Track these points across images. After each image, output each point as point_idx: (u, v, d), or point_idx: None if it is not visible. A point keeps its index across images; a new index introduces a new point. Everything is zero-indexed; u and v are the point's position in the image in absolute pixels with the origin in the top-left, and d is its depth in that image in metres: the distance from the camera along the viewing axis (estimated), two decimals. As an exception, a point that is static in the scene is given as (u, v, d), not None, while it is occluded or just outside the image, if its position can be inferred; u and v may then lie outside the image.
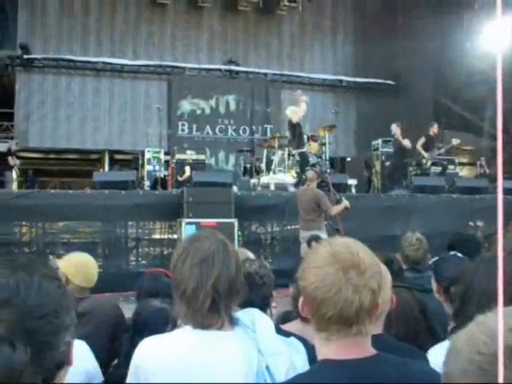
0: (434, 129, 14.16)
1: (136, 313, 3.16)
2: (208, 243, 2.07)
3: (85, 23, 18.32)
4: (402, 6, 20.03)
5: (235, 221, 9.66)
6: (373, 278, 1.63)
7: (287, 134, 13.07)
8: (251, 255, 3.65)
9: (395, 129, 13.76)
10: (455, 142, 14.28)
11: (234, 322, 2.07)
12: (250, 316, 2.15)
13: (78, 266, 3.57)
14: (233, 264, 2.07)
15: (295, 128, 12.20)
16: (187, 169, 13.26)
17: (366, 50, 19.84)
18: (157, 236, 10.82)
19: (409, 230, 5.09)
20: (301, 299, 1.72)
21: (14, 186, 18.63)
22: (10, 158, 14.63)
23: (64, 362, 1.11)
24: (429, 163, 13.85)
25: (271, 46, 19.92)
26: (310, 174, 9.63)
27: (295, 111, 12.33)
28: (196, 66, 18.94)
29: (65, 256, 3.73)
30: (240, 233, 10.27)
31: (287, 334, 2.36)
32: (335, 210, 9.13)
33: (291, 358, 2.06)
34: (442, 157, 14.55)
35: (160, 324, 2.62)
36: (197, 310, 1.99)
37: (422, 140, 14.09)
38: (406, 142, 13.47)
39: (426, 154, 13.86)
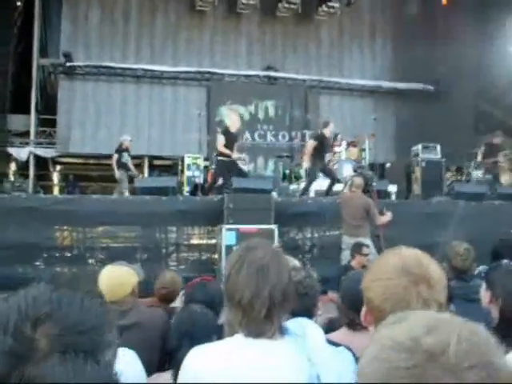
0: (497, 139, 13.97)
1: (178, 320, 3.17)
2: (262, 252, 2.09)
3: (125, 30, 18.58)
4: (442, 11, 19.82)
5: (275, 227, 9.66)
6: (442, 291, 1.63)
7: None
8: (297, 263, 3.65)
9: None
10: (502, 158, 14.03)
11: (284, 331, 2.08)
12: (300, 325, 2.16)
13: (107, 284, 3.57)
14: (286, 273, 2.09)
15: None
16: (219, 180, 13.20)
17: (405, 55, 19.68)
18: (196, 241, 10.87)
19: (450, 238, 5.04)
20: (364, 309, 1.71)
21: (56, 190, 18.98)
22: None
23: (106, 379, 1.11)
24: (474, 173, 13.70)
25: (309, 51, 19.90)
26: (357, 180, 9.61)
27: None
28: (235, 72, 19.04)
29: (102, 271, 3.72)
30: (281, 239, 10.28)
31: (335, 344, 2.36)
32: (382, 220, 9.13)
33: (340, 367, 2.07)
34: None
35: (203, 330, 2.64)
36: (253, 318, 2.00)
37: (482, 149, 13.96)
38: None
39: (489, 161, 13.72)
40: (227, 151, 11.48)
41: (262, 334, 2.02)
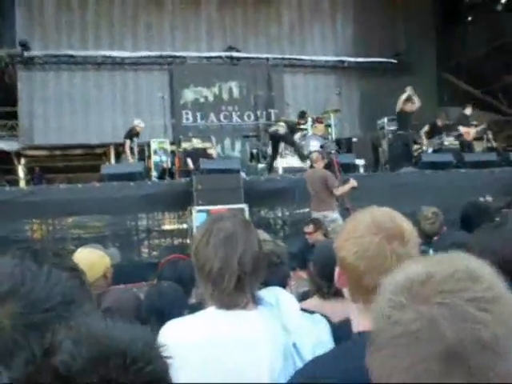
0: (441, 119, 14.10)
1: (146, 297, 3.14)
2: (230, 222, 2.06)
3: (83, 17, 18.26)
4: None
5: (245, 206, 9.67)
6: (414, 247, 1.62)
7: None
8: (267, 236, 3.63)
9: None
10: (463, 129, 14.16)
11: (257, 301, 2.06)
12: (273, 294, 2.14)
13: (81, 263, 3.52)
14: (256, 242, 2.06)
15: None
16: (188, 161, 13.20)
17: (367, 30, 19.74)
18: (167, 227, 10.82)
19: (420, 207, 5.07)
20: (337, 270, 1.69)
21: (22, 184, 18.70)
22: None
23: None
24: (429, 150, 13.81)
25: (271, 30, 19.79)
26: (313, 156, 9.70)
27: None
28: (197, 54, 18.87)
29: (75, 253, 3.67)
30: (252, 218, 10.27)
31: (309, 312, 2.35)
32: (341, 190, 9.18)
33: (317, 334, 2.05)
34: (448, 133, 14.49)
35: (172, 306, 2.61)
36: (223, 289, 1.97)
37: (426, 128, 14.08)
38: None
39: (425, 141, 13.86)
40: None
41: (235, 305, 1.98)
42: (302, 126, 13.36)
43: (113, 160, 18.13)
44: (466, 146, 13.78)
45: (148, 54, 18.49)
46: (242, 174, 10.92)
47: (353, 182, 9.27)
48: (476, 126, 14.26)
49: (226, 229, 2.04)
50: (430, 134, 14.04)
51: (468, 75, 19.18)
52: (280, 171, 11.90)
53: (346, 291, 1.70)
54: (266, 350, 1.95)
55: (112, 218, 10.57)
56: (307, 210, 10.25)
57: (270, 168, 12.27)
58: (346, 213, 9.61)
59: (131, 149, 13.93)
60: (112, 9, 18.53)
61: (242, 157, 15.53)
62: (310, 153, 10.91)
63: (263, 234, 3.76)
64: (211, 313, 2.02)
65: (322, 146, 11.70)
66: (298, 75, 19.89)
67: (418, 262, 1.03)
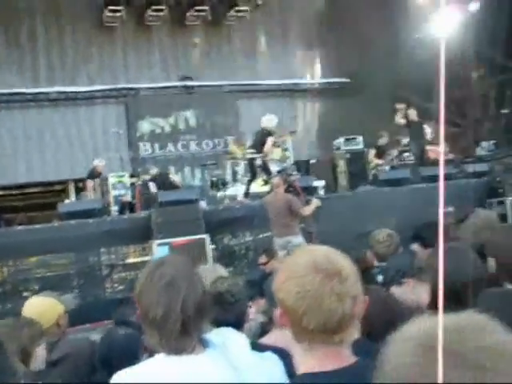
0: (383, 139, 14.29)
1: (101, 343, 3.08)
2: (171, 267, 2.05)
3: (33, 53, 18.10)
4: (349, 5, 20.15)
5: (206, 236, 9.62)
6: (353, 285, 1.62)
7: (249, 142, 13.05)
8: (223, 272, 3.61)
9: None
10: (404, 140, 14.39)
11: (204, 344, 2.04)
12: (221, 335, 2.13)
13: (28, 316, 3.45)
14: (198, 285, 2.06)
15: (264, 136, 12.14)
16: (151, 185, 13.18)
17: (319, 52, 19.97)
18: (130, 260, 10.72)
19: (381, 225, 5.10)
20: (278, 310, 1.68)
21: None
22: None
23: None
24: (387, 167, 13.97)
25: (223, 56, 19.86)
26: (275, 180, 9.68)
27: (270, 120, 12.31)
28: (151, 85, 18.84)
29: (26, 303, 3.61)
30: (214, 247, 10.23)
31: (265, 349, 2.33)
32: (307, 210, 9.17)
33: (268, 372, 2.04)
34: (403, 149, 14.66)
35: (129, 352, 2.56)
36: (168, 336, 1.96)
37: (372, 152, 14.25)
38: None
39: (380, 162, 14.01)
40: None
41: (182, 350, 1.97)
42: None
43: (73, 196, 17.94)
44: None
45: (102, 87, 18.41)
46: (202, 204, 10.89)
47: (316, 202, 9.30)
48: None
49: (168, 274, 2.02)
50: (379, 155, 14.23)
51: (419, 90, 19.48)
52: (240, 198, 11.90)
53: (289, 332, 1.70)
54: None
55: (75, 256, 10.44)
56: (269, 233, 10.25)
57: (247, 193, 12.18)
58: (308, 236, 9.66)
59: (94, 188, 13.90)
60: (63, 42, 18.39)
61: (202, 185, 15.49)
62: (269, 179, 10.96)
63: (220, 270, 3.75)
64: (159, 360, 2.00)
65: (279, 171, 11.75)
66: (253, 100, 19.97)
67: None
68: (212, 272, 3.23)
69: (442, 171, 1.03)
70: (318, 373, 1.60)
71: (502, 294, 2.30)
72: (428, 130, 14.38)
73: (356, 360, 1.62)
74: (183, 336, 1.97)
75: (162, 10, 18.32)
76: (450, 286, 2.72)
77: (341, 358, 1.62)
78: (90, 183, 13.97)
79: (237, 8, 18.99)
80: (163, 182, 12.95)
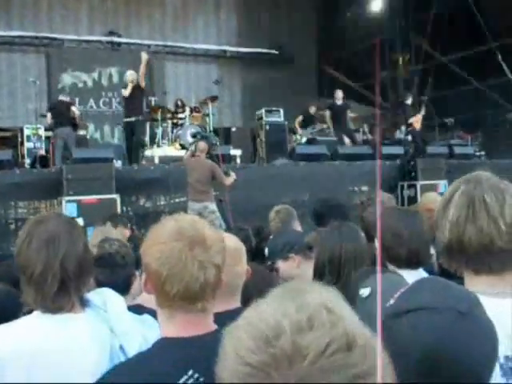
0: (313, 108, 14.44)
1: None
2: (53, 224, 2.04)
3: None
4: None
5: (117, 196, 9.50)
6: (218, 254, 1.65)
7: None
8: (115, 235, 3.59)
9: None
10: (325, 125, 14.61)
11: (84, 304, 2.04)
12: (101, 296, 2.12)
13: None
14: (80, 244, 2.05)
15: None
16: (48, 115, 12.82)
17: (250, 20, 19.89)
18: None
19: (292, 198, 5.19)
20: (143, 276, 1.70)
21: None
22: None
23: None
24: (303, 139, 14.13)
25: (154, 17, 19.49)
26: (201, 145, 9.63)
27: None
28: (75, 37, 18.27)
29: None
30: (125, 208, 10.12)
31: (143, 311, 2.34)
32: (228, 180, 9.23)
33: (145, 335, 2.06)
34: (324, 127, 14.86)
35: (7, 310, 2.51)
36: (46, 293, 1.95)
37: (299, 118, 14.43)
38: None
39: (300, 131, 14.19)
40: None
41: (59, 309, 1.97)
42: (179, 115, 13.30)
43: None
44: (417, 135, 14.22)
45: (22, 33, 17.66)
46: (117, 164, 10.73)
47: (233, 175, 9.35)
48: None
49: (48, 231, 2.01)
50: (303, 123, 14.38)
51: (347, 69, 19.74)
52: (156, 160, 11.79)
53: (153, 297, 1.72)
54: (92, 352, 1.94)
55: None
56: (184, 199, 10.23)
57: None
58: (220, 204, 9.71)
59: None
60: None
61: (120, 145, 15.24)
62: (192, 143, 10.88)
63: (111, 232, 3.73)
64: (35, 318, 1.98)
65: (195, 135, 11.69)
66: (180, 63, 19.74)
67: (273, 315, 0.86)
68: (103, 232, 3.21)
69: (379, 153, 1.04)
70: (177, 338, 1.63)
71: (372, 272, 2.39)
72: (350, 114, 14.61)
73: (216, 328, 1.66)
74: (61, 294, 1.96)
75: (93, -39, 17.75)
76: (333, 261, 2.81)
77: (202, 325, 1.65)
78: None
79: (171, -32, 18.61)
80: (62, 114, 12.45)
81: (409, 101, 14.40)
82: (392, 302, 1.32)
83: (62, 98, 13.10)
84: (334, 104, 14.25)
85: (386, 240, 2.63)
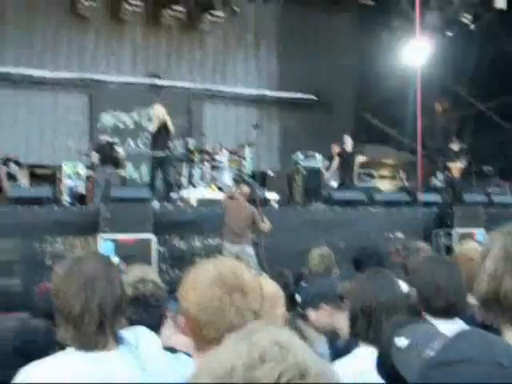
0: (335, 149, 14.29)
1: (15, 335, 3.03)
2: (91, 264, 2.05)
3: (1, 33, 17.81)
4: (325, 23, 20.37)
5: (153, 236, 9.57)
6: (256, 300, 1.64)
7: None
8: (153, 276, 3.58)
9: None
10: (361, 159, 14.47)
11: (118, 341, 2.04)
12: (134, 333, 2.13)
13: None
14: (117, 284, 2.06)
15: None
16: (93, 155, 13.13)
17: (289, 65, 20.09)
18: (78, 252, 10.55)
19: (328, 244, 5.16)
20: (182, 319, 1.70)
21: None
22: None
23: None
24: (331, 182, 13.99)
25: (194, 59, 19.88)
26: (244, 188, 9.69)
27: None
28: (118, 79, 18.70)
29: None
30: (160, 248, 10.17)
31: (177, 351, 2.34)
32: (266, 227, 9.26)
33: (180, 373, 2.05)
34: (362, 170, 14.81)
35: (44, 344, 2.53)
36: (83, 332, 1.96)
37: (337, 159, 14.23)
38: None
39: (326, 173, 14.02)
40: None
41: (95, 347, 1.97)
42: (217, 158, 13.42)
43: (26, 182, 17.64)
44: (454, 182, 13.95)
45: (68, 75, 18.19)
46: (154, 203, 10.82)
47: (269, 224, 9.37)
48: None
49: (86, 271, 2.02)
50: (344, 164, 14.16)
51: (384, 115, 19.75)
52: (192, 201, 11.87)
53: (190, 340, 1.71)
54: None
55: (20, 242, 10.26)
56: (218, 241, 10.26)
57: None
58: (255, 247, 9.70)
59: (9, 174, 13.98)
60: (33, 24, 18.11)
61: (157, 184, 15.38)
62: (233, 185, 10.95)
63: (149, 272, 3.72)
64: (69, 354, 1.99)
65: (235, 179, 11.78)
66: (219, 106, 20.01)
67: (227, 359, 0.89)
68: (140, 272, 3.21)
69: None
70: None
71: (407, 322, 2.35)
72: (361, 159, 14.42)
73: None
74: (97, 333, 1.97)
75: (137, 6, 18.21)
76: (365, 310, 2.78)
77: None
78: (2, 169, 14.00)
79: (213, 12, 18.98)
80: (106, 154, 12.72)
81: (454, 146, 14.16)
82: (431, 352, 1.30)
83: (106, 137, 13.38)
84: (344, 150, 14.05)
85: (424, 290, 2.60)
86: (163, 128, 11.85)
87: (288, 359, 0.85)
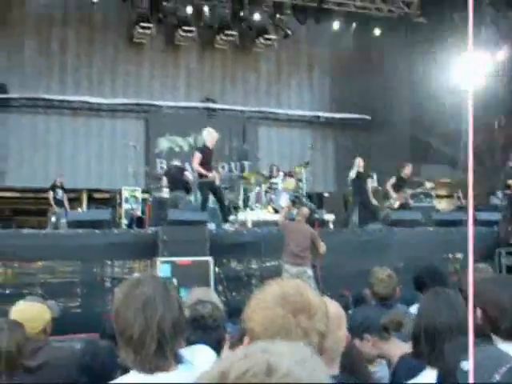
0: (407, 170, 13.93)
1: (82, 353, 3.08)
2: (149, 287, 2.07)
3: (62, 62, 18.39)
4: (375, 42, 20.30)
5: (210, 259, 9.61)
6: (321, 321, 1.62)
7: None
8: (213, 297, 3.61)
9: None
10: (429, 185, 14.25)
11: (178, 360, 2.06)
12: (191, 351, 2.14)
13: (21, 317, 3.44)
14: (175, 305, 2.07)
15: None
16: (164, 179, 13.45)
17: (342, 86, 20.09)
18: (136, 275, 10.67)
19: (386, 264, 5.09)
20: (246, 339, 1.69)
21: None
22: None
23: None
24: (396, 204, 13.67)
25: (248, 83, 20.10)
26: (304, 210, 9.68)
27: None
28: (173, 104, 19.02)
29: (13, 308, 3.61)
30: (217, 270, 10.22)
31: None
32: (322, 249, 9.22)
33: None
34: (419, 191, 14.58)
35: (110, 365, 2.57)
36: (144, 354, 1.98)
37: (392, 180, 13.88)
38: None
39: (394, 195, 13.68)
40: (203, 171, 11.07)
41: (156, 369, 1.99)
42: (273, 180, 13.46)
43: (85, 206, 18.06)
44: None
45: (125, 101, 18.62)
46: (211, 226, 10.88)
47: (324, 246, 9.32)
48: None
49: (145, 294, 2.04)
50: (396, 187, 13.92)
51: (440, 134, 19.46)
52: (249, 224, 11.90)
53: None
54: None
55: (80, 265, 10.46)
56: (275, 263, 10.25)
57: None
58: (313, 269, 9.64)
59: (55, 200, 14.90)
60: (92, 53, 18.69)
61: (215, 208, 15.49)
62: (292, 207, 10.91)
63: (211, 294, 3.76)
64: (133, 377, 2.01)
65: (293, 201, 11.78)
66: (273, 128, 20.14)
67: (224, 358, 1.01)
68: (200, 295, 3.24)
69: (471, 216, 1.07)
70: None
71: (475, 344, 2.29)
72: (373, 183, 14.08)
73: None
74: (158, 355, 1.99)
75: (191, 31, 18.54)
76: (428, 330, 2.72)
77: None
78: (50, 194, 15.02)
79: (266, 36, 19.17)
80: (175, 178, 12.94)
81: None
82: (498, 377, 1.27)
83: (175, 163, 13.68)
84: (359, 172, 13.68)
85: (489, 311, 2.53)
86: (209, 155, 11.60)
87: (259, 359, 0.93)
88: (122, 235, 10.70)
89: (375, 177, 14.49)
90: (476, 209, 14.00)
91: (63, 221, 13.83)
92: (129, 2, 18.17)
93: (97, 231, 10.20)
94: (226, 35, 18.95)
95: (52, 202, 14.91)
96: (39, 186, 17.61)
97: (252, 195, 12.92)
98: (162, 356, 1.99)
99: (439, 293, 2.92)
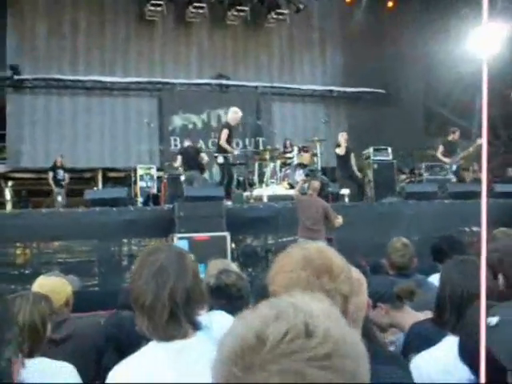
0: (455, 135, 13.84)
1: (106, 324, 3.11)
2: (163, 256, 2.08)
3: (74, 42, 18.39)
4: (389, 15, 20.11)
5: (227, 234, 9.63)
6: (345, 283, 1.62)
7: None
8: (233, 267, 3.63)
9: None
10: (479, 141, 14.03)
11: (197, 327, 2.07)
12: (208, 316, 2.15)
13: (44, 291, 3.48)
14: (189, 274, 2.07)
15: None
16: (178, 158, 13.61)
17: (355, 60, 19.89)
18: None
19: (401, 236, 5.07)
20: None
21: (9, 206, 18.63)
22: None
23: (4, 378, 1.05)
24: (454, 167, 13.63)
25: (260, 58, 20.00)
26: (315, 184, 9.62)
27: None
28: (186, 81, 19.00)
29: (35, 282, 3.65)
30: (234, 246, 10.24)
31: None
32: (338, 222, 9.18)
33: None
34: (435, 163, 14.46)
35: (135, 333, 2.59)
36: (157, 322, 2.00)
37: (440, 148, 13.79)
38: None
39: (447, 160, 13.60)
40: (229, 147, 11.50)
41: (172, 337, 2.01)
42: (287, 155, 13.42)
43: (100, 185, 18.13)
44: None
45: (138, 79, 18.60)
46: (227, 202, 10.90)
47: (340, 218, 9.28)
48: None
49: (158, 262, 2.06)
50: (446, 153, 13.76)
51: (454, 107, 19.29)
52: (265, 199, 11.90)
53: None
54: (204, 376, 1.95)
55: (97, 243, 10.53)
56: (292, 238, 10.24)
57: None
58: (329, 243, 9.63)
59: (55, 180, 15.32)
60: (103, 34, 18.68)
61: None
62: (304, 181, 10.87)
63: (230, 265, 3.78)
64: (151, 348, 2.04)
65: (307, 175, 11.74)
66: (287, 104, 20.06)
67: (250, 317, 0.97)
68: (221, 265, 3.26)
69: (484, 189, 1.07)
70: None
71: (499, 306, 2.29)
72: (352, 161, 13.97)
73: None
74: (171, 323, 2.00)
75: (202, 8, 18.47)
76: (454, 298, 2.72)
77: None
78: (50, 175, 15.41)
79: (277, 11, 19.04)
80: (191, 157, 13.08)
81: None
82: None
83: (190, 143, 13.78)
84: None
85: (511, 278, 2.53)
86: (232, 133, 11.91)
87: (298, 318, 0.92)
88: (139, 213, 10.74)
89: (389, 151, 14.40)
90: (493, 181, 13.93)
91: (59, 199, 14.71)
92: (139, -20, 18.12)
93: (114, 209, 10.24)
94: (238, 11, 18.85)
95: (51, 182, 15.24)
96: (55, 166, 17.73)
97: (267, 171, 12.89)
98: (175, 324, 2.01)
99: (463, 261, 2.91)
